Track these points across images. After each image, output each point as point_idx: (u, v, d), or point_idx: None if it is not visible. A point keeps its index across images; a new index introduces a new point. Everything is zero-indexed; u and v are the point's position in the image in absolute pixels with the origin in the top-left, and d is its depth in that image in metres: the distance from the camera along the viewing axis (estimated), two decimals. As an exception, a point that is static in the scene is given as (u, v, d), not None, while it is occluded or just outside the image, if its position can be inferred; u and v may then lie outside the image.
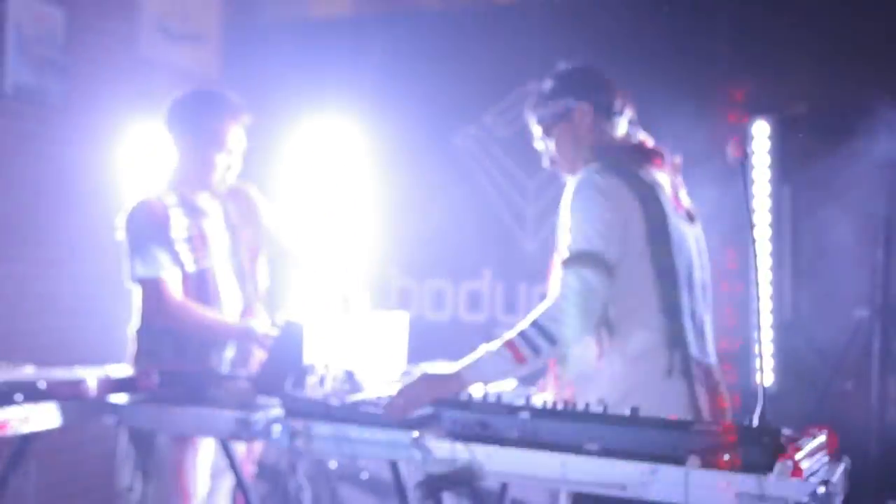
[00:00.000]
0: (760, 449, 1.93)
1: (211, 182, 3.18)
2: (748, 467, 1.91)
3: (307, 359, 2.64)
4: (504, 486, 3.09)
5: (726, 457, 1.93)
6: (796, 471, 1.90)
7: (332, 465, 4.59)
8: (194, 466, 3.08)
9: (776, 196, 4.45)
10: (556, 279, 2.39)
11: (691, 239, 2.52)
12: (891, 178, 4.21)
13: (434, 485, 2.25)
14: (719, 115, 2.38)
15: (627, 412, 2.11)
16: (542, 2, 5.10)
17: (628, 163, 2.50)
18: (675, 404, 2.35)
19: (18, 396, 2.70)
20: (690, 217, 2.57)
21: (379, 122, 5.07)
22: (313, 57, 5.29)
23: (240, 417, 2.63)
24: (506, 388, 2.79)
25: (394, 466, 2.87)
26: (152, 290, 3.08)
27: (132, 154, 4.64)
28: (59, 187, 4.50)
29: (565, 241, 2.41)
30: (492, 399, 2.28)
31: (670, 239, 2.43)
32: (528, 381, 2.77)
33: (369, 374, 2.71)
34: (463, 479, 2.23)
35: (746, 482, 1.90)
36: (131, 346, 3.18)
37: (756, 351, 2.17)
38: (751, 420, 2.02)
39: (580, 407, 2.18)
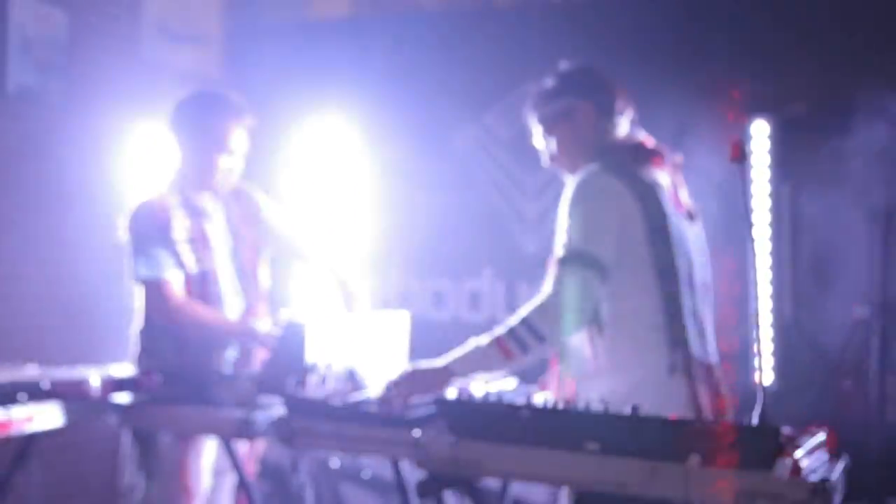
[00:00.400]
0: (760, 447, 1.94)
1: (213, 183, 3.20)
2: (748, 465, 1.92)
3: (309, 358, 2.65)
4: (505, 485, 3.10)
5: (726, 455, 1.94)
6: (796, 469, 1.91)
7: (334, 463, 4.60)
8: (197, 465, 3.09)
9: (776, 195, 4.46)
10: (550, 277, 2.41)
11: (692, 238, 2.54)
12: (890, 178, 4.22)
13: (435, 484, 2.26)
14: (719, 114, 2.39)
15: (628, 410, 2.12)
16: (541, 2, 5.11)
17: (629, 163, 2.51)
18: (677, 403, 2.36)
19: (22, 396, 2.72)
20: (691, 216, 2.59)
21: (379, 122, 5.08)
22: (314, 58, 5.30)
23: (242, 417, 2.65)
24: (507, 386, 2.81)
25: (395, 465, 2.88)
26: (155, 290, 3.09)
27: (134, 155, 4.65)
28: (60, 188, 4.51)
29: (561, 239, 2.43)
30: (493, 398, 2.29)
31: (670, 238, 2.44)
32: (530, 379, 2.78)
33: (371, 374, 2.73)
34: (464, 477, 2.24)
35: (746, 480, 1.91)
36: (134, 346, 3.19)
37: (755, 350, 2.18)
38: (751, 419, 2.03)
39: (581, 405, 2.19)
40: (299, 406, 2.52)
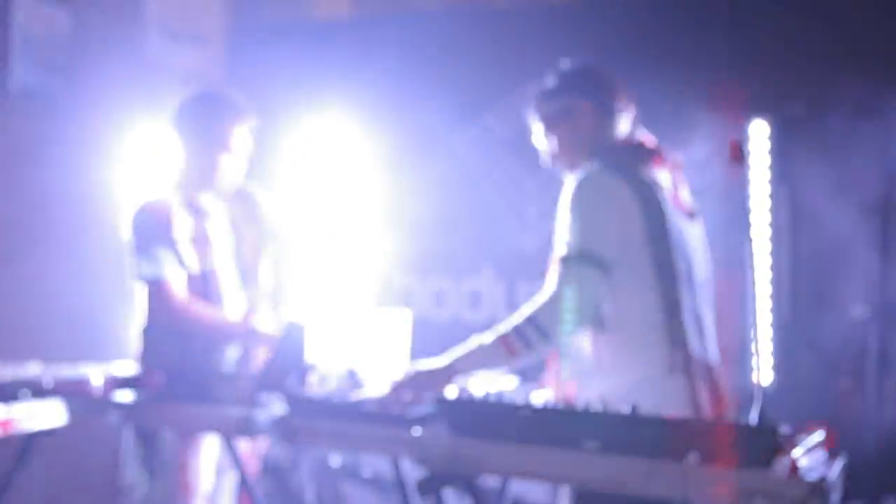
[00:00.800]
0: (759, 446, 1.94)
1: (215, 183, 3.21)
2: (747, 464, 1.93)
3: (309, 357, 2.66)
4: (505, 484, 3.11)
5: (725, 454, 1.95)
6: (794, 468, 1.92)
7: (335, 462, 4.61)
8: (199, 464, 3.10)
9: (775, 196, 4.46)
10: (553, 275, 2.42)
11: (692, 237, 2.55)
12: (889, 178, 4.22)
13: (435, 482, 2.27)
14: (718, 114, 2.40)
15: (628, 409, 2.13)
16: (542, 2, 5.12)
17: (629, 162, 2.52)
18: (676, 401, 2.37)
19: (24, 394, 2.73)
20: (691, 215, 2.60)
21: (380, 121, 5.08)
22: (315, 58, 5.31)
23: (243, 415, 2.66)
24: (507, 385, 2.81)
25: (395, 464, 2.89)
26: (157, 289, 3.10)
27: (136, 154, 4.66)
28: (63, 187, 4.52)
29: (563, 238, 2.44)
30: (493, 397, 2.30)
31: (670, 237, 2.45)
32: (529, 378, 2.79)
33: (371, 373, 2.74)
34: (464, 476, 2.25)
35: (745, 479, 1.92)
36: (136, 345, 3.20)
37: (754, 349, 2.19)
38: (749, 418, 2.04)
39: (580, 404, 2.20)
40: (300, 404, 2.53)
